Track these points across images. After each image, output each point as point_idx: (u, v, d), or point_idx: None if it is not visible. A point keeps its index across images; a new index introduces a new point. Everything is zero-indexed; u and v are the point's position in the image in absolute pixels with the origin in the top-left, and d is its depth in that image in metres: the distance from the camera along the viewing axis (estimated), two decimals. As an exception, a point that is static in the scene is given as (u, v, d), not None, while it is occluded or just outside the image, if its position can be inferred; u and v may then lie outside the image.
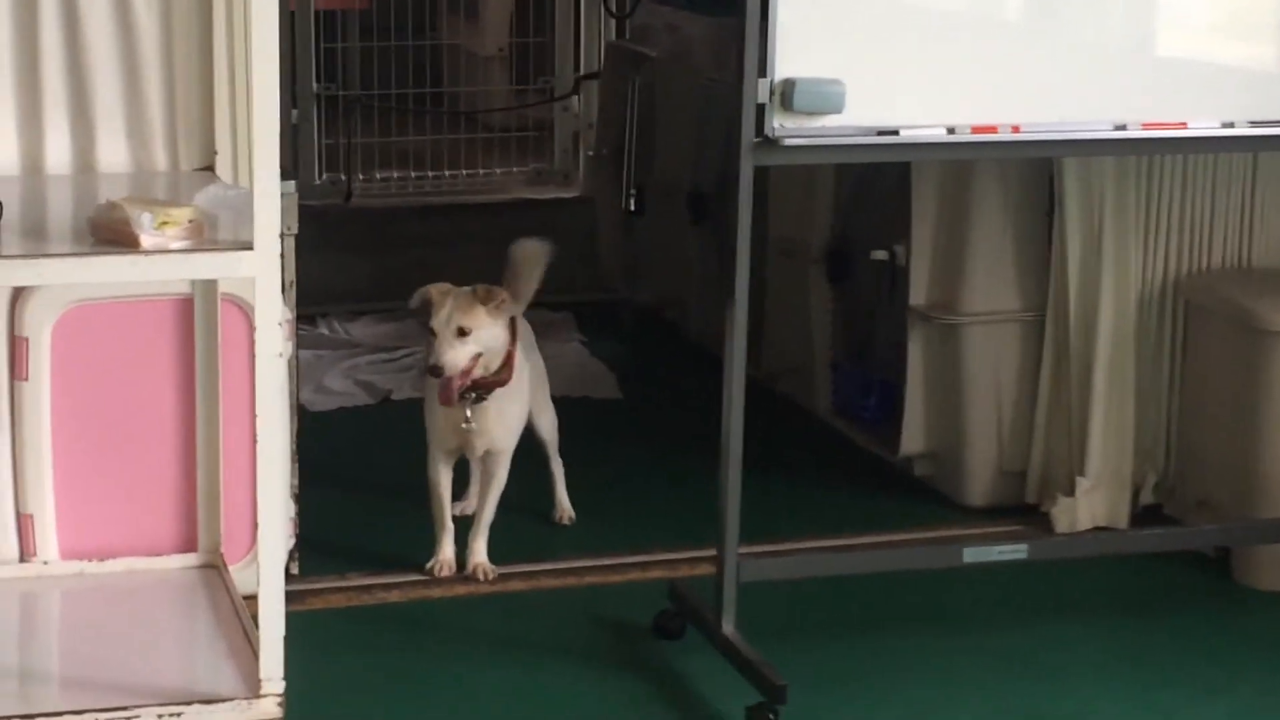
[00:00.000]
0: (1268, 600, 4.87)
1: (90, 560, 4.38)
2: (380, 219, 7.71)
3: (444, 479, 4.90)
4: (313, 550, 4.86)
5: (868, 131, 4.18)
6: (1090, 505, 5.21)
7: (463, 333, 4.67)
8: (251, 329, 3.78)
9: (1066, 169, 5.12)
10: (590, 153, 7.84)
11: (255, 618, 3.82)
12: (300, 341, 4.93)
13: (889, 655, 4.50)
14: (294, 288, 4.63)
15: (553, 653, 4.50)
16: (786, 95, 4.06)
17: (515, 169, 8.26)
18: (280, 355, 3.72)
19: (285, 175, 3.73)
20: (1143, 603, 4.86)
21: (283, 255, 3.76)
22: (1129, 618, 4.76)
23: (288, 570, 4.36)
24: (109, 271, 3.70)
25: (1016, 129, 4.28)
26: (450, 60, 8.63)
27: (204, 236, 3.69)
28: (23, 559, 4.37)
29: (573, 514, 5.27)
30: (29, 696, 3.85)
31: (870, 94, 4.13)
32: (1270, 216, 5.28)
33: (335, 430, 5.97)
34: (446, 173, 8.12)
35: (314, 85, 7.68)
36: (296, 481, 4.73)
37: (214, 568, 4.42)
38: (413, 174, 8.10)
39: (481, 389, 4.77)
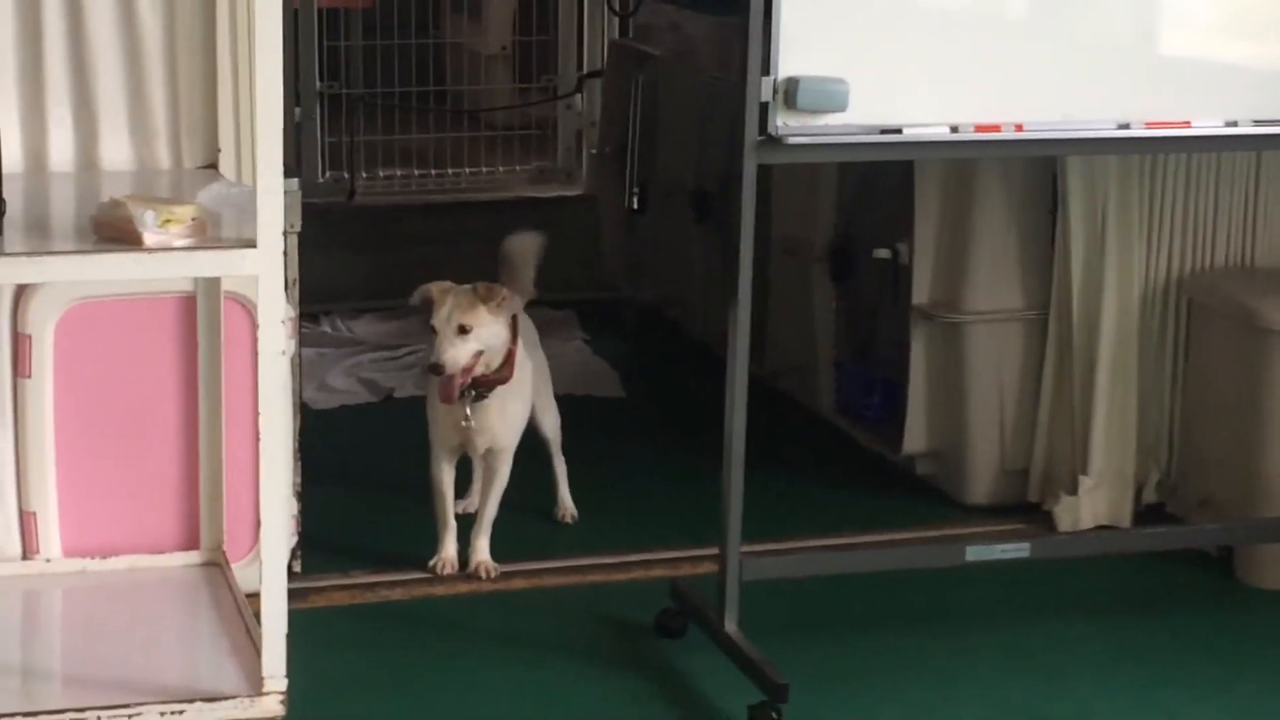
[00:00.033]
0: (1270, 599, 4.87)
1: (93, 558, 4.38)
2: (383, 217, 7.71)
3: (446, 477, 4.90)
4: (315, 548, 4.86)
5: (871, 130, 4.18)
6: (1093, 504, 5.21)
7: (464, 330, 4.67)
8: (254, 327, 3.78)
9: (1070, 168, 5.12)
10: (593, 151, 7.84)
11: (257, 615, 3.82)
12: (303, 339, 4.93)
13: (891, 654, 4.50)
14: (297, 285, 4.63)
15: (555, 651, 4.51)
16: (790, 94, 4.05)
17: (518, 167, 8.27)
18: (283, 353, 3.73)
19: (288, 173, 3.74)
20: (1145, 601, 4.86)
21: (286, 253, 3.77)
22: (1131, 616, 4.76)
23: (290, 568, 4.37)
24: (112, 269, 3.70)
25: (1020, 128, 4.28)
26: (453, 58, 8.63)
27: (207, 234, 3.69)
28: (25, 556, 4.37)
29: (575, 512, 5.27)
30: (32, 694, 3.85)
31: (873, 92, 4.13)
32: (1273, 215, 5.27)
33: (338, 428, 5.97)
34: (449, 171, 8.12)
35: (317, 83, 7.67)
36: (299, 479, 4.73)
37: (216, 565, 4.42)
38: (416, 172, 8.10)
39: (482, 387, 4.77)
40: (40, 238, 3.78)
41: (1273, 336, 4.89)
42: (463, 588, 4.85)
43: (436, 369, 4.69)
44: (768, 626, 4.42)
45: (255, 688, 3.79)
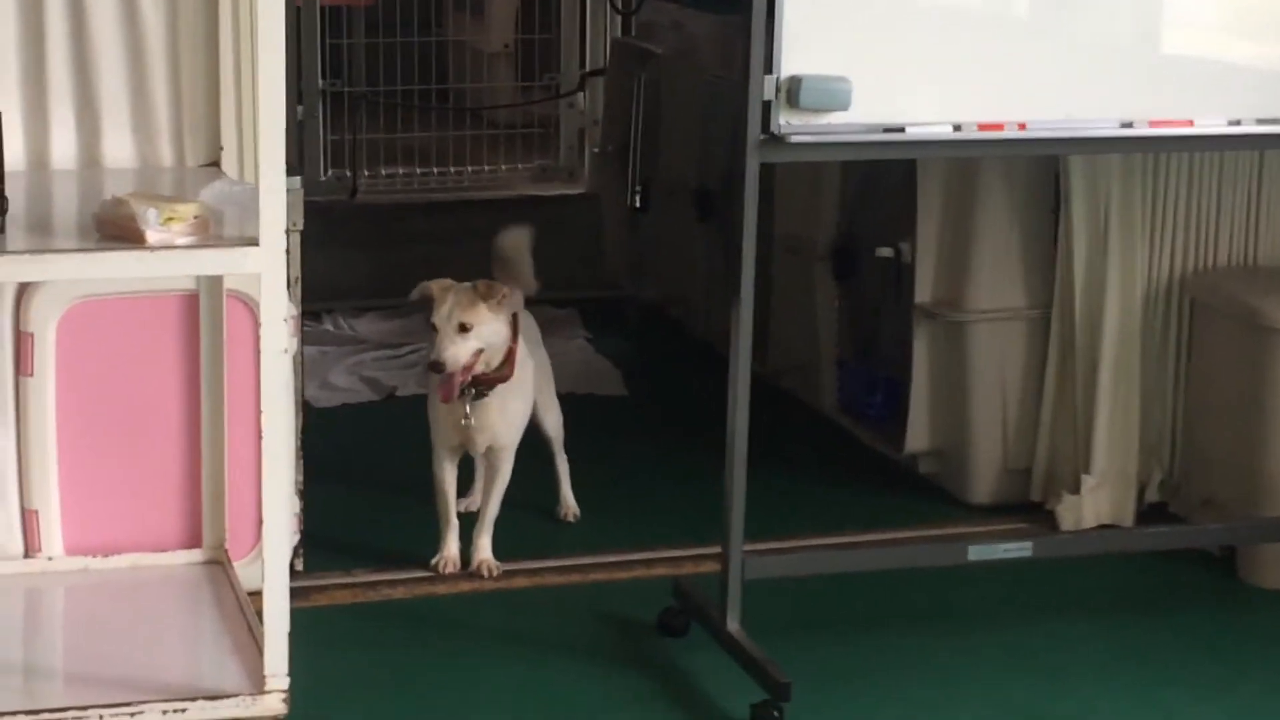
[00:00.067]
0: (1272, 599, 4.87)
1: (95, 556, 4.38)
2: (385, 215, 7.71)
3: (448, 475, 4.90)
4: (317, 546, 4.86)
5: (874, 129, 4.17)
6: (1095, 503, 5.21)
7: (464, 328, 4.67)
8: (257, 325, 3.78)
9: (1072, 166, 5.12)
10: (595, 149, 7.84)
11: (260, 614, 3.82)
12: (305, 338, 4.93)
13: (893, 653, 4.50)
14: (299, 284, 4.62)
15: (557, 650, 4.50)
16: (792, 92, 4.05)
17: (520, 165, 8.26)
18: (285, 351, 3.73)
19: (290, 171, 3.74)
20: (1147, 601, 4.86)
21: (288, 251, 3.77)
22: (1133, 616, 4.76)
23: (292, 566, 4.37)
24: (114, 267, 3.71)
25: (1023, 126, 4.28)
26: (456, 56, 8.63)
27: (209, 232, 3.70)
28: (27, 555, 4.37)
29: (577, 511, 5.27)
30: (34, 692, 3.85)
31: (876, 91, 4.13)
32: (1276, 215, 5.27)
33: (340, 426, 5.97)
34: (452, 169, 8.12)
35: (319, 81, 7.67)
36: (301, 478, 4.73)
37: (219, 564, 4.42)
38: (418, 170, 8.10)
39: (482, 385, 4.77)
40: (43, 236, 3.79)
41: (1275, 335, 4.88)
42: (465, 586, 4.84)
43: (437, 367, 4.68)
44: (770, 625, 4.42)
45: (257, 686, 3.79)
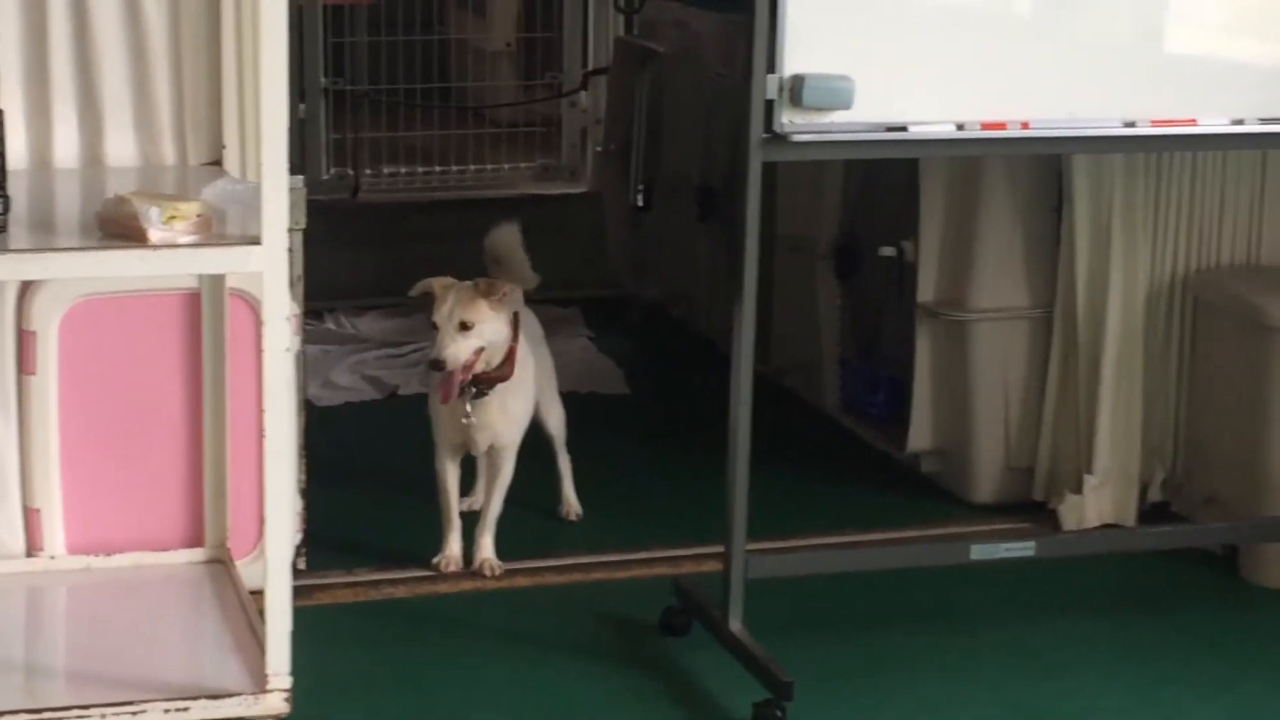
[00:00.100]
0: (1274, 598, 4.87)
1: (97, 555, 4.38)
2: (388, 214, 7.71)
3: (450, 474, 4.90)
4: (319, 545, 4.86)
5: (876, 128, 4.17)
6: (1098, 502, 5.21)
7: (465, 327, 4.66)
8: (259, 324, 3.78)
9: (1075, 166, 5.12)
10: (598, 148, 7.83)
11: (262, 613, 3.82)
12: (307, 336, 4.93)
13: (896, 652, 4.50)
14: (301, 282, 4.62)
15: (559, 649, 4.50)
16: (795, 91, 4.05)
17: (523, 164, 8.26)
18: (287, 350, 3.73)
19: (293, 170, 3.73)
20: (1150, 600, 4.86)
21: (290, 250, 3.76)
22: (1136, 615, 4.76)
23: (294, 565, 4.36)
24: (117, 266, 3.71)
25: (1026, 125, 4.27)
26: (458, 55, 8.63)
27: (212, 231, 3.70)
28: (29, 553, 4.37)
29: (580, 510, 5.27)
30: (36, 691, 3.85)
31: (879, 90, 4.12)
32: (1279, 214, 5.27)
33: (342, 425, 5.97)
34: (454, 168, 8.12)
35: (321, 80, 7.67)
36: (303, 477, 4.73)
37: (221, 563, 4.42)
38: (420, 169, 8.10)
39: (483, 384, 4.76)
40: (45, 234, 3.79)
41: (1278, 335, 4.88)
42: (467, 585, 4.84)
43: (437, 365, 4.68)
44: (772, 624, 4.42)
45: (259, 685, 3.79)
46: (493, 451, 4.91)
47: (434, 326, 4.69)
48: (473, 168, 8.13)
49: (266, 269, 3.64)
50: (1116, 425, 5.21)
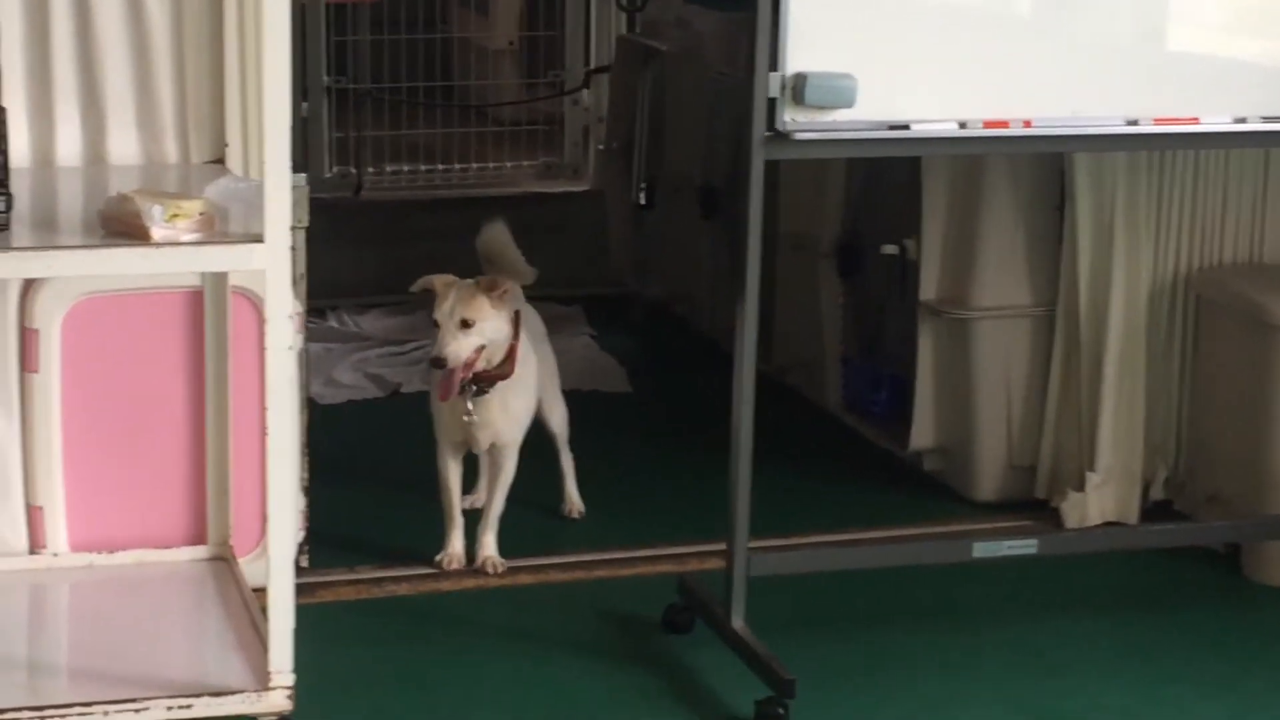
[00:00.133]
0: (1277, 596, 4.87)
1: (100, 552, 4.38)
2: (390, 212, 7.71)
3: (453, 472, 4.90)
4: (322, 543, 4.86)
5: (879, 126, 4.17)
6: (1100, 500, 5.21)
7: (466, 324, 4.67)
8: (262, 322, 3.78)
9: (1078, 164, 5.12)
10: (600, 147, 7.83)
11: (264, 610, 3.82)
12: (310, 334, 4.94)
13: (898, 650, 4.50)
14: (304, 280, 4.63)
15: (561, 646, 4.50)
16: (798, 89, 4.05)
17: (525, 163, 8.26)
18: (290, 348, 3.73)
19: (295, 168, 3.73)
20: (1152, 598, 4.86)
21: (293, 248, 3.76)
22: (1138, 613, 4.76)
23: (297, 563, 4.36)
24: (119, 264, 3.71)
25: (1028, 124, 4.27)
26: (460, 53, 8.62)
27: (214, 229, 3.70)
28: (32, 551, 4.37)
29: (582, 507, 5.27)
30: (38, 688, 3.86)
31: (882, 88, 4.12)
32: (1282, 212, 5.28)
33: (345, 423, 5.98)
34: (456, 166, 8.12)
35: (324, 78, 7.66)
36: (306, 474, 4.73)
37: (223, 560, 4.42)
38: (423, 167, 8.10)
39: (483, 382, 4.76)
40: (47, 232, 3.79)
41: (1281, 333, 4.89)
42: (469, 583, 4.85)
43: (439, 362, 4.68)
44: (775, 622, 4.42)
45: (262, 682, 3.79)
46: (494, 449, 4.91)
47: (435, 324, 4.70)
48: (475, 166, 8.13)
49: (269, 267, 3.64)
50: (1119, 423, 5.21)
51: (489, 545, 4.90)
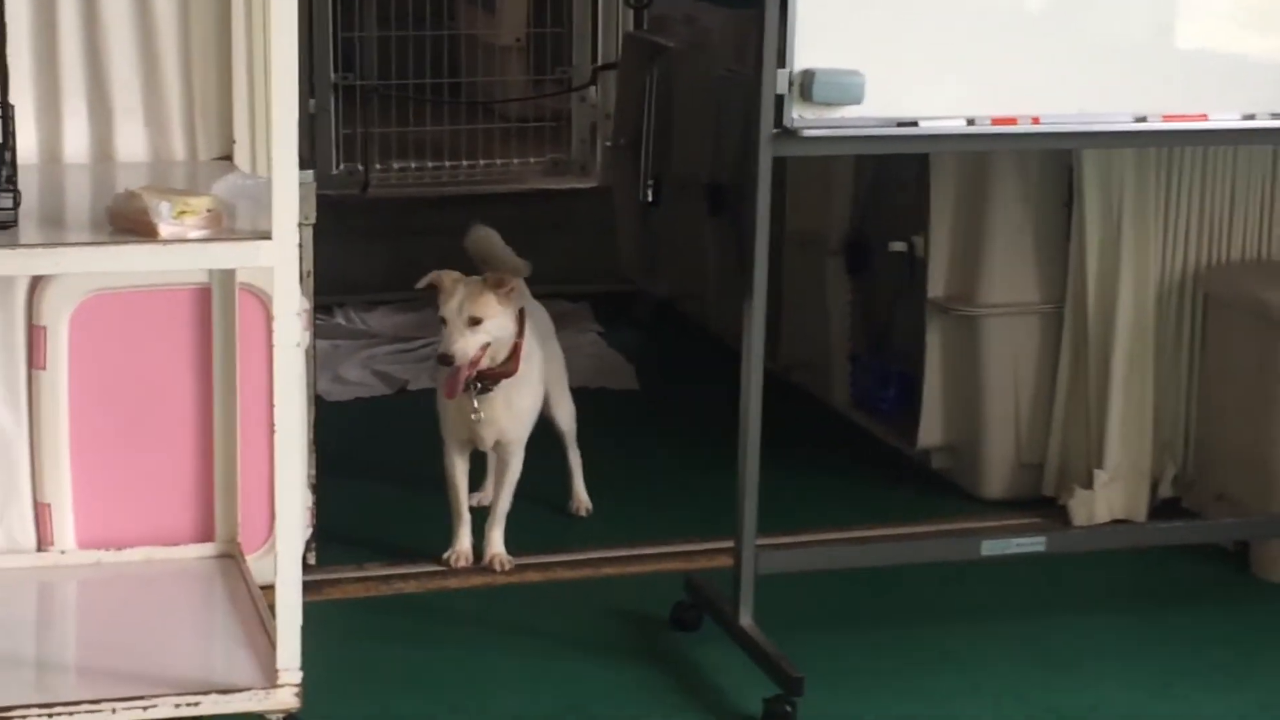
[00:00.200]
0: (1286, 594, 4.87)
1: (107, 550, 4.38)
2: (398, 209, 7.71)
3: (459, 470, 4.90)
4: (330, 540, 4.86)
5: (887, 123, 4.17)
6: (1108, 498, 5.20)
7: (473, 321, 4.66)
8: (269, 319, 3.78)
9: (1086, 161, 5.11)
10: (608, 143, 7.84)
11: (272, 607, 3.82)
12: (317, 331, 4.93)
13: (906, 647, 4.50)
14: (311, 277, 4.63)
15: (569, 644, 4.50)
16: (805, 86, 4.05)
17: (532, 159, 8.26)
18: (298, 345, 3.73)
19: (303, 165, 3.74)
20: (1160, 596, 4.85)
21: (300, 245, 3.76)
22: (1147, 611, 4.75)
23: (305, 560, 4.37)
24: (127, 261, 3.70)
25: (1036, 120, 4.27)
26: (468, 50, 8.62)
27: (222, 226, 3.70)
28: (40, 548, 4.37)
29: (590, 505, 5.27)
30: (46, 686, 3.86)
31: (889, 85, 4.12)
32: (1290, 209, 5.27)
33: (352, 420, 5.98)
34: (464, 163, 8.12)
35: (331, 75, 7.67)
36: (314, 471, 4.73)
37: (231, 557, 4.42)
38: (430, 164, 8.10)
39: (488, 380, 4.76)
40: (55, 229, 3.79)
41: (1289, 330, 4.88)
42: (477, 580, 4.84)
43: (446, 359, 4.68)
44: (782, 619, 4.42)
45: (270, 680, 3.79)
46: (500, 447, 4.91)
47: (442, 321, 4.69)
48: (482, 163, 8.13)
49: (277, 264, 3.64)
50: (1127, 421, 5.21)
51: (496, 542, 4.90)
